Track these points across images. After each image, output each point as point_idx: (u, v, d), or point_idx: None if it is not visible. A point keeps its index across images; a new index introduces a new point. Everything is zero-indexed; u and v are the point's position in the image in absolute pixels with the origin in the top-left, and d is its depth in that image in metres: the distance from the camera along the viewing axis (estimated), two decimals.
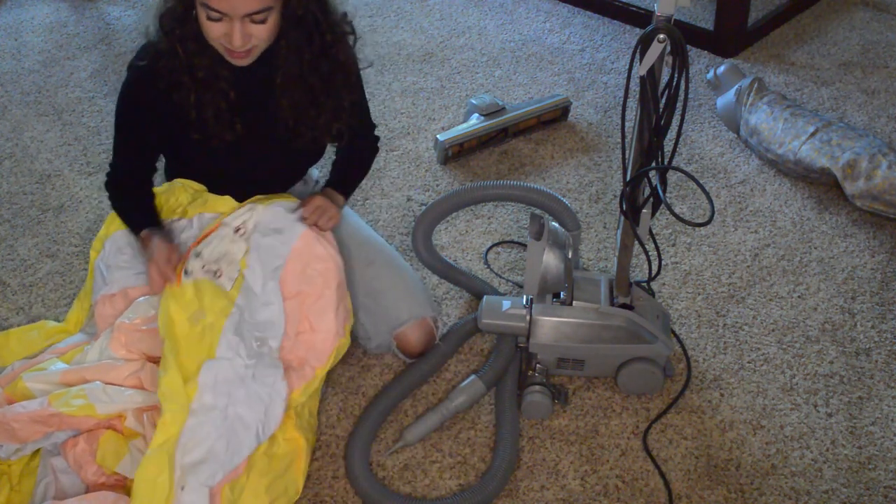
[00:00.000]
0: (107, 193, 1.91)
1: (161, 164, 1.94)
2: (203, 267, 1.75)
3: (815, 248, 2.30)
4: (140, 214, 1.86)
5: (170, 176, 1.97)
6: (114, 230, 1.89)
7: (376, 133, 2.04)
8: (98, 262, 1.89)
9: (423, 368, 1.92)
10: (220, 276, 1.74)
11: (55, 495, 1.65)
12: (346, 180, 1.99)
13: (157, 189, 1.91)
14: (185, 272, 1.75)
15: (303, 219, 1.80)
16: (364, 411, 1.85)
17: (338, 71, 1.78)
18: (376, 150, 2.06)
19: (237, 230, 1.78)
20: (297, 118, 1.79)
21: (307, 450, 1.72)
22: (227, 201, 1.84)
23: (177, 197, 1.88)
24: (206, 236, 1.79)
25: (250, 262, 1.75)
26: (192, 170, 1.90)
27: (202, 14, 1.61)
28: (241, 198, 1.86)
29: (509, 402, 1.86)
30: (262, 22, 1.62)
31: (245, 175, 1.88)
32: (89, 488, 1.66)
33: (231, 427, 1.61)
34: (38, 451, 1.72)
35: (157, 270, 1.73)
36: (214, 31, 1.63)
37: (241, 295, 1.73)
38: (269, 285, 1.74)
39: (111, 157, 1.90)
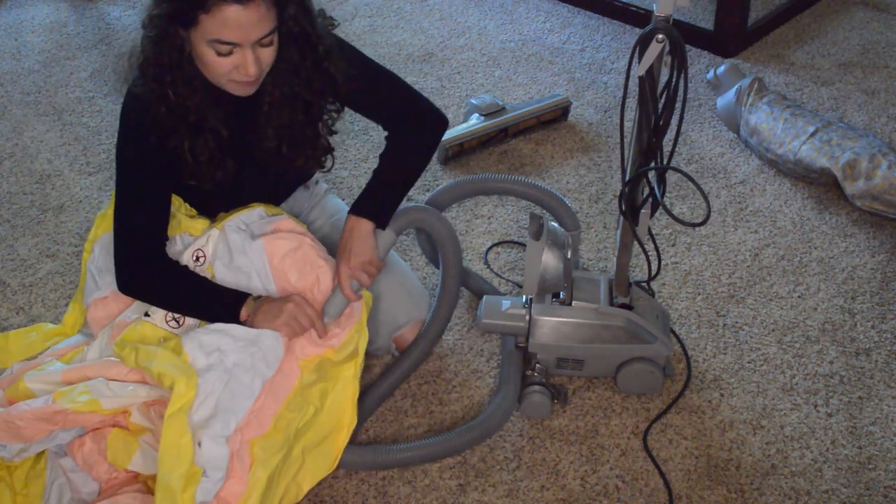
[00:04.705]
0: (137, 293, 1.73)
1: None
2: (167, 313, 1.73)
3: (815, 248, 2.30)
4: (211, 291, 1.72)
5: None
6: (101, 233, 1.86)
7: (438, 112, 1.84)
8: (89, 264, 1.87)
9: (406, 365, 1.92)
10: (182, 324, 1.73)
11: (72, 496, 1.66)
12: (381, 193, 1.78)
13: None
14: (146, 314, 1.73)
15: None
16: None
17: (330, 85, 1.72)
18: (435, 126, 1.83)
19: (196, 259, 1.77)
20: (290, 142, 1.74)
21: (350, 427, 1.70)
22: (202, 223, 1.81)
23: None
24: None
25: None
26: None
27: (208, 52, 1.54)
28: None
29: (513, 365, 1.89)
30: (270, 44, 1.58)
31: (238, 203, 1.85)
32: (103, 486, 1.67)
33: (233, 376, 1.62)
34: (42, 453, 1.72)
35: (306, 308, 1.68)
36: (224, 66, 1.56)
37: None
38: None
39: (118, 246, 1.71)
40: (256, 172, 1.81)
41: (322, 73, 1.69)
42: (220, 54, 1.54)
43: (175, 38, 1.55)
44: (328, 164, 1.87)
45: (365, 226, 1.74)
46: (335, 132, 1.85)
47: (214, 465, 1.56)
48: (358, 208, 1.76)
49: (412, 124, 1.82)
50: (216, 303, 1.71)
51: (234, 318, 1.69)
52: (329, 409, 1.69)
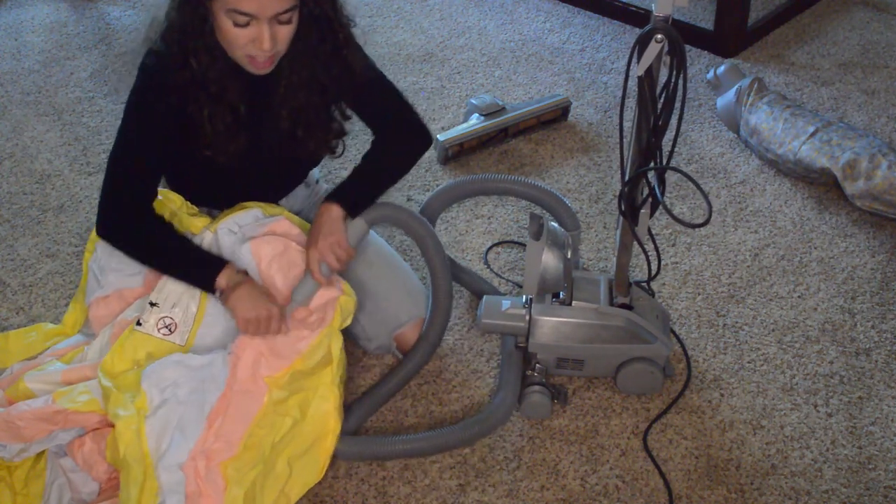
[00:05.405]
0: (116, 239, 1.72)
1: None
2: (159, 321, 1.72)
3: (815, 248, 2.29)
4: (194, 251, 1.73)
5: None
6: None
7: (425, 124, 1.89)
8: (91, 263, 1.87)
9: (409, 367, 1.92)
10: (174, 331, 1.73)
11: (72, 496, 1.66)
12: (355, 186, 1.81)
13: None
14: (139, 322, 1.73)
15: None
16: (352, 405, 1.84)
17: (347, 73, 1.75)
18: (421, 143, 1.88)
19: None
20: (304, 125, 1.76)
21: (335, 433, 1.70)
22: (202, 222, 1.81)
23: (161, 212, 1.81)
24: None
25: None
26: (186, 186, 1.86)
27: (226, 23, 1.57)
28: (231, 205, 1.85)
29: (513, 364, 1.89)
30: (288, 22, 1.60)
31: (243, 189, 1.86)
32: (103, 486, 1.68)
33: (186, 405, 1.63)
34: (42, 453, 1.72)
35: (277, 322, 1.68)
36: (241, 38, 1.58)
37: (196, 340, 1.73)
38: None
39: (108, 189, 1.71)
40: (267, 153, 1.81)
41: (341, 60, 1.73)
42: (237, 25, 1.57)
43: (198, 7, 1.58)
44: (339, 149, 1.89)
45: (335, 211, 1.75)
46: (349, 117, 1.87)
47: (171, 489, 1.57)
48: (330, 196, 1.78)
49: (401, 132, 1.87)
50: (194, 266, 1.72)
51: (209, 285, 1.70)
52: (312, 418, 1.69)
